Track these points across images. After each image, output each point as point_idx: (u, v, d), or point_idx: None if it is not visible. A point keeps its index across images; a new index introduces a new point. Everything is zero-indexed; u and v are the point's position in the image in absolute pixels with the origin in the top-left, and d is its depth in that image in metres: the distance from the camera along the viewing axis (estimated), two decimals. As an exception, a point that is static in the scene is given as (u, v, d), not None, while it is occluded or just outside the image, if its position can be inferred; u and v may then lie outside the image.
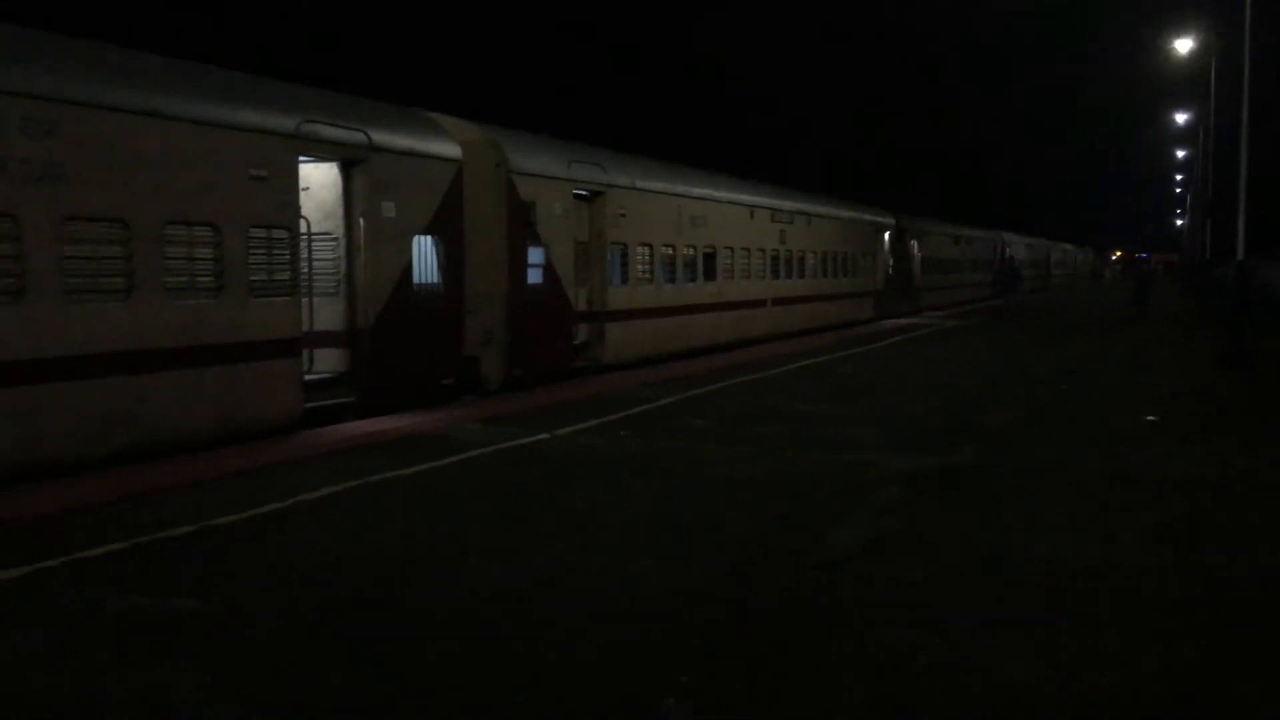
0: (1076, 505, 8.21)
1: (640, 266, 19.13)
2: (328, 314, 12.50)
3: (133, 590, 5.99)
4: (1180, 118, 58.37)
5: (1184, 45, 37.13)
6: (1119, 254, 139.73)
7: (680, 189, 20.79)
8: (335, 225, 12.53)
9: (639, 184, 19.03)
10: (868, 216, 34.12)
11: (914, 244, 38.81)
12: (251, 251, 10.90)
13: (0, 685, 4.81)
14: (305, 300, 11.91)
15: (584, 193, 17.41)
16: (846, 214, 31.93)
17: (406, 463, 9.55)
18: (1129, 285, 43.42)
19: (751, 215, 24.23)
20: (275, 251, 11.23)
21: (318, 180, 12.45)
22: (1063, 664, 5.02)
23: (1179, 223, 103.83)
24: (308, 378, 11.86)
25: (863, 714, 4.55)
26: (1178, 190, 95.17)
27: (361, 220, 12.46)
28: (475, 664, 5.04)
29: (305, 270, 11.92)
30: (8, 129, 8.64)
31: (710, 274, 22.04)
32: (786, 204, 26.72)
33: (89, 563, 6.52)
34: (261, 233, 11.04)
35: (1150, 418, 12.49)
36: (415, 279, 13.36)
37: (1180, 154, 75.29)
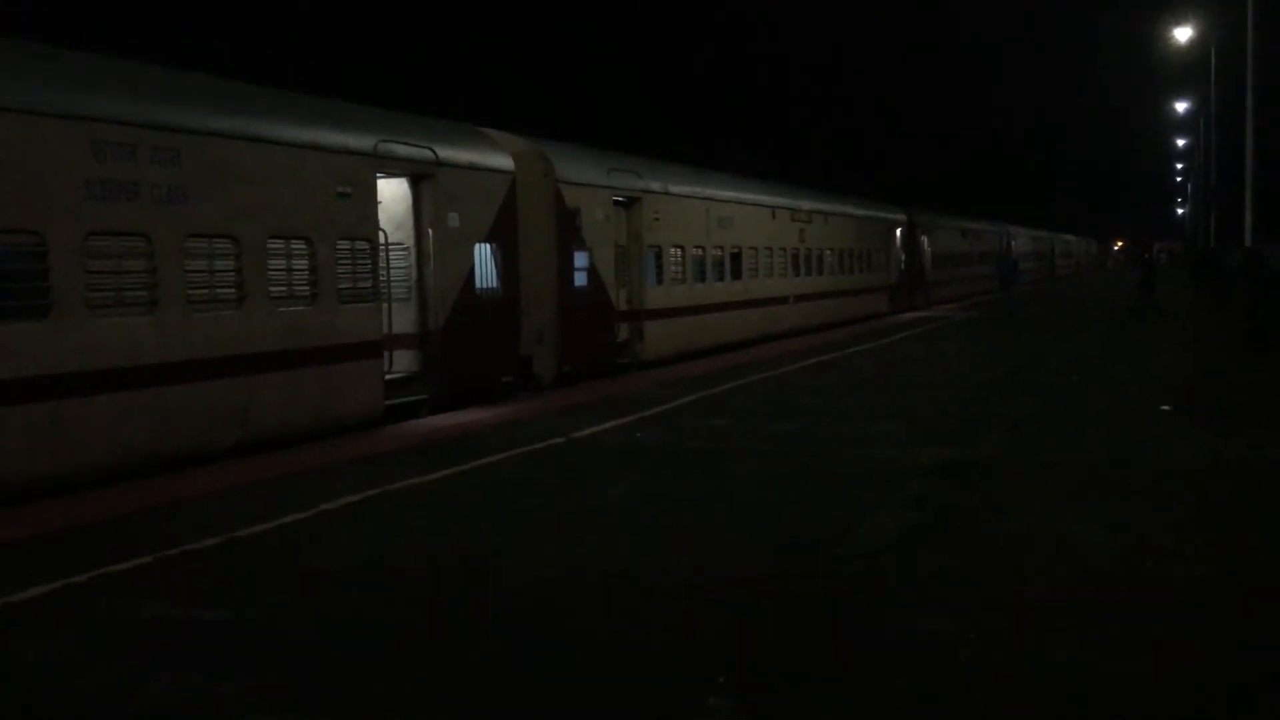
0: (1104, 494, 8.45)
1: (674, 267, 20.15)
2: (402, 318, 13.50)
3: (163, 602, 6.04)
4: (1180, 106, 59.13)
5: (1183, 33, 37.75)
6: (1120, 244, 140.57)
7: (708, 192, 21.79)
8: (406, 236, 13.53)
9: (671, 189, 20.04)
10: (881, 213, 35.12)
11: (924, 239, 39.76)
12: (339, 262, 11.92)
13: (42, 689, 4.95)
14: (384, 305, 12.92)
15: (621, 199, 18.42)
16: (861, 211, 32.93)
17: (459, 461, 9.95)
18: (1134, 275, 44.13)
19: (773, 215, 25.22)
20: (359, 261, 12.25)
21: (389, 194, 13.43)
22: (1104, 651, 5.13)
23: (1180, 211, 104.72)
24: (388, 377, 12.88)
25: (908, 704, 4.62)
26: (1178, 180, 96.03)
27: (430, 230, 13.47)
28: (507, 667, 5.13)
29: (384, 278, 12.93)
30: (140, 158, 9.66)
31: (737, 273, 23.05)
32: (805, 203, 27.71)
33: (116, 577, 6.55)
34: (347, 244, 12.06)
35: (1165, 407, 13.09)
36: (477, 284, 14.37)
37: (1180, 142, 76.06)
